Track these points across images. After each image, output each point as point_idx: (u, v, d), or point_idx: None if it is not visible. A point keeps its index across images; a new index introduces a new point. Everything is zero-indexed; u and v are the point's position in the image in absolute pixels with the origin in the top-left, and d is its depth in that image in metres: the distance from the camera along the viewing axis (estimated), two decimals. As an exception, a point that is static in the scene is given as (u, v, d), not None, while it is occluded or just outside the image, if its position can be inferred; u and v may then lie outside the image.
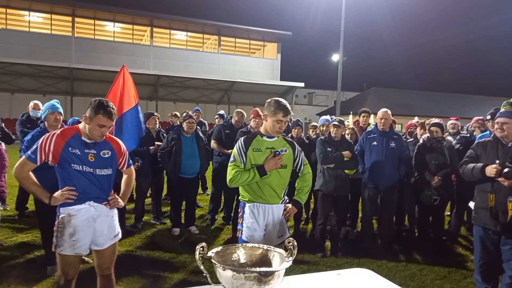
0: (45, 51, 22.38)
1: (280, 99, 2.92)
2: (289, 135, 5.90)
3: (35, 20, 24.51)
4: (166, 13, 26.93)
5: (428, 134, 5.15)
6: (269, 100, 2.95)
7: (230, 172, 2.88)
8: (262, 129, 2.99)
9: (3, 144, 5.02)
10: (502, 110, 3.25)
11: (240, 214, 2.99)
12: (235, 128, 6.25)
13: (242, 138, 2.96)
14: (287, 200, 3.07)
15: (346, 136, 5.79)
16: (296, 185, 3.18)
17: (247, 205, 2.95)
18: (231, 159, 2.92)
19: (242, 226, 2.94)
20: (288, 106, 2.90)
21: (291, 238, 1.69)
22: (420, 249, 5.16)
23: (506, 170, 2.94)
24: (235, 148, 2.95)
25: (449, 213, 6.29)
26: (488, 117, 4.90)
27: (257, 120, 5.89)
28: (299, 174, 3.14)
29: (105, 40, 25.76)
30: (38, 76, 21.25)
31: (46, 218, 3.89)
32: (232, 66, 27.48)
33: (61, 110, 4.21)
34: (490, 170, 3.03)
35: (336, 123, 5.02)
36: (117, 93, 4.80)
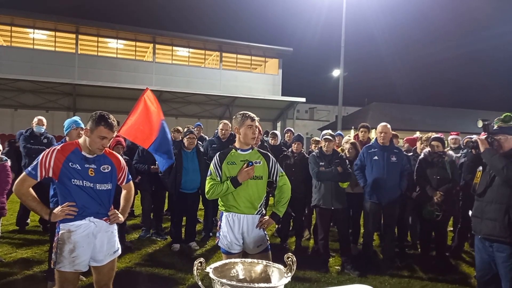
0: (49, 68, 22.56)
1: (244, 111, 3.15)
2: (289, 149, 5.92)
3: (39, 38, 24.77)
4: (168, 30, 27.21)
5: (429, 149, 5.14)
6: (234, 116, 3.17)
7: (206, 185, 3.09)
8: (236, 144, 3.17)
9: (9, 160, 5.06)
10: (495, 126, 3.32)
11: (219, 223, 3.16)
12: (222, 140, 6.28)
13: (218, 153, 3.17)
14: (264, 212, 3.19)
15: (347, 150, 5.80)
16: (274, 197, 3.30)
17: (224, 214, 3.12)
18: (208, 173, 3.14)
19: (220, 234, 3.11)
20: (252, 113, 3.11)
21: (290, 254, 1.67)
22: (423, 265, 5.09)
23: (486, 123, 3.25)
24: (211, 163, 3.15)
25: (452, 229, 6.23)
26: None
27: None
28: (275, 186, 3.25)
29: (108, 57, 26.01)
30: (41, 92, 21.36)
31: None
32: (234, 82, 27.62)
33: (83, 126, 4.25)
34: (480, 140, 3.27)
35: (327, 137, 5.06)
36: (142, 117, 5.05)
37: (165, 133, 5.21)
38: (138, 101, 5.16)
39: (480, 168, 3.38)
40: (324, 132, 5.37)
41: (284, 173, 3.27)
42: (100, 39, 25.59)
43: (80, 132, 4.15)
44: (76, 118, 4.36)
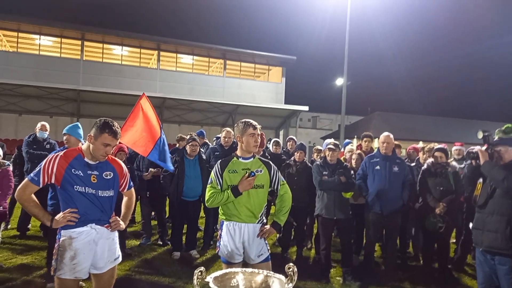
0: (54, 74, 22.72)
1: (246, 119, 3.14)
2: (292, 158, 5.91)
3: (45, 44, 25.00)
4: (173, 37, 27.39)
5: (432, 159, 5.12)
6: (236, 124, 3.15)
7: (207, 193, 3.06)
8: (238, 152, 3.14)
9: (11, 166, 5.08)
10: (496, 138, 3.33)
11: (219, 232, 3.12)
12: (225, 147, 6.29)
13: (219, 161, 3.15)
14: (265, 221, 3.16)
15: (352, 161, 5.79)
16: (275, 206, 3.26)
17: (224, 223, 3.09)
18: (209, 181, 3.11)
19: (220, 244, 3.07)
20: (254, 122, 3.09)
21: (291, 264, 1.66)
22: (425, 277, 5.03)
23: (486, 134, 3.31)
24: (212, 171, 3.12)
25: (454, 241, 6.17)
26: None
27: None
28: (277, 194, 3.22)
29: (113, 63, 26.18)
30: (46, 98, 21.48)
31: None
32: (237, 90, 27.70)
33: (73, 132, 4.30)
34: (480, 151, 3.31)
35: (331, 146, 5.05)
36: (137, 121, 5.13)
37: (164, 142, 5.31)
38: (135, 107, 5.22)
39: (481, 180, 3.37)
40: (328, 141, 5.36)
41: (285, 181, 3.25)
42: (105, 45, 25.79)
43: (66, 138, 4.27)
44: (73, 124, 4.43)
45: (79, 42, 24.81)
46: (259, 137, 3.12)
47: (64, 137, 4.27)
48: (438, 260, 5.15)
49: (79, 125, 4.40)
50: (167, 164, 5.29)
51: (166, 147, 5.32)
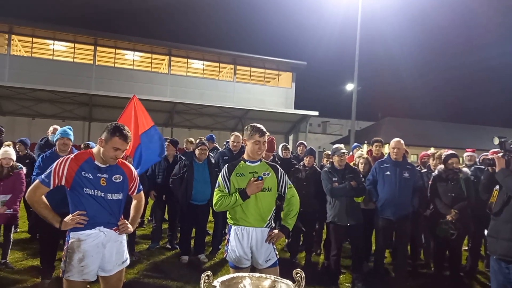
0: (67, 78, 23.06)
1: (256, 124, 3.10)
2: (301, 163, 5.88)
3: (59, 49, 25.42)
4: (183, 43, 27.63)
5: (443, 166, 5.05)
6: (246, 126, 3.14)
7: (214, 197, 3.06)
8: (245, 155, 3.15)
9: (24, 168, 5.14)
10: None
11: (227, 236, 3.11)
12: (233, 152, 6.28)
13: (227, 164, 3.16)
14: (273, 225, 3.14)
15: (360, 165, 5.74)
16: (283, 209, 3.25)
17: (232, 227, 3.08)
18: (217, 184, 3.10)
19: (228, 248, 3.06)
20: (263, 128, 3.06)
21: (299, 269, 1.64)
22: (436, 285, 4.95)
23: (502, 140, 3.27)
24: (220, 174, 3.12)
25: (466, 248, 6.07)
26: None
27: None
28: (284, 198, 3.20)
29: (125, 68, 26.47)
30: (58, 102, 21.77)
31: (48, 243, 4.25)
32: (247, 95, 27.75)
33: (71, 136, 4.51)
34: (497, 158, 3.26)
35: (340, 152, 5.01)
36: (128, 122, 5.05)
37: (150, 141, 5.15)
38: (126, 108, 5.22)
39: (497, 187, 3.31)
40: (335, 146, 5.31)
41: (292, 185, 3.23)
42: (118, 51, 26.11)
43: (65, 142, 4.42)
44: (67, 128, 4.57)
45: (91, 47, 25.16)
46: (264, 144, 3.10)
47: (62, 141, 4.41)
48: (449, 267, 5.07)
49: (70, 127, 4.61)
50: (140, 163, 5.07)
51: (146, 155, 5.13)
